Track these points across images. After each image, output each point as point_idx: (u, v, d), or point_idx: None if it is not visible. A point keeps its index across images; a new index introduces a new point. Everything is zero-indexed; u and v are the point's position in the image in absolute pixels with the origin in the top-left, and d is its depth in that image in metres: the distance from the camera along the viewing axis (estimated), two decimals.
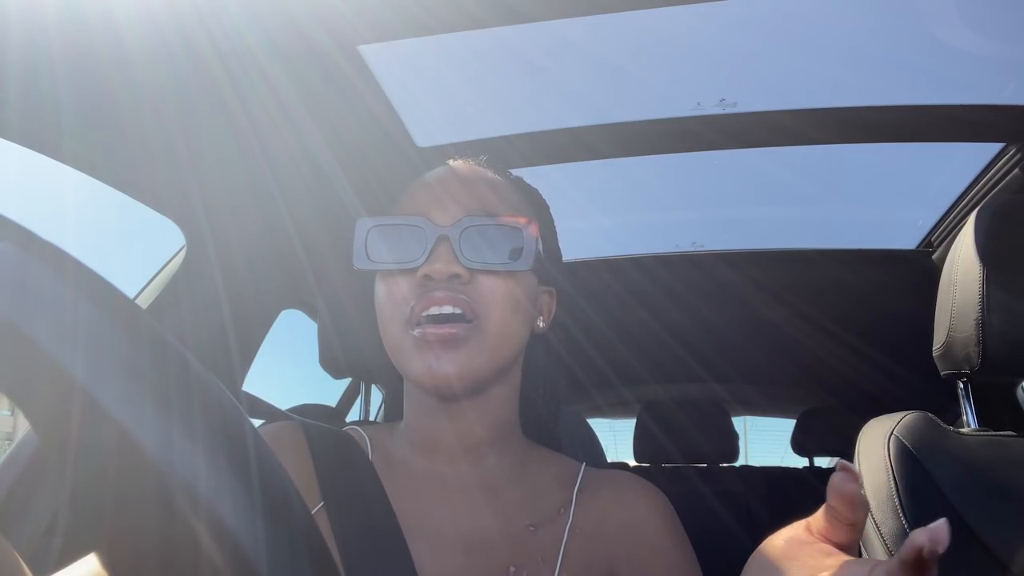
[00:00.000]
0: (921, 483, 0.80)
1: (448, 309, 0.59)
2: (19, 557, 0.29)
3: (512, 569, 0.59)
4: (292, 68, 1.00)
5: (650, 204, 1.87)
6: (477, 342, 0.59)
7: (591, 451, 1.48)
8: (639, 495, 0.66)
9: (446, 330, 0.58)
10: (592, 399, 2.87)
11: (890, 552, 0.77)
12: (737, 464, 2.32)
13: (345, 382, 1.92)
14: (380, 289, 0.63)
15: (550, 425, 0.74)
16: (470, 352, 0.59)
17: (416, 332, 0.59)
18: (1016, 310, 0.81)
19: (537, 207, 0.71)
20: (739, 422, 2.76)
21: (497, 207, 0.64)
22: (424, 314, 0.59)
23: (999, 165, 1.36)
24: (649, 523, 0.64)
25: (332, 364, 1.10)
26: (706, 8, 0.92)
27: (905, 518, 0.78)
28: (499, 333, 0.61)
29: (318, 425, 0.69)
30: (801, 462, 2.52)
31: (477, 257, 0.60)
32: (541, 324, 0.69)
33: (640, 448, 2.30)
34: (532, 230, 0.62)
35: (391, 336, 0.62)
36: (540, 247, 0.64)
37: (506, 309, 0.61)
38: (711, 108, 1.26)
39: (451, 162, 0.70)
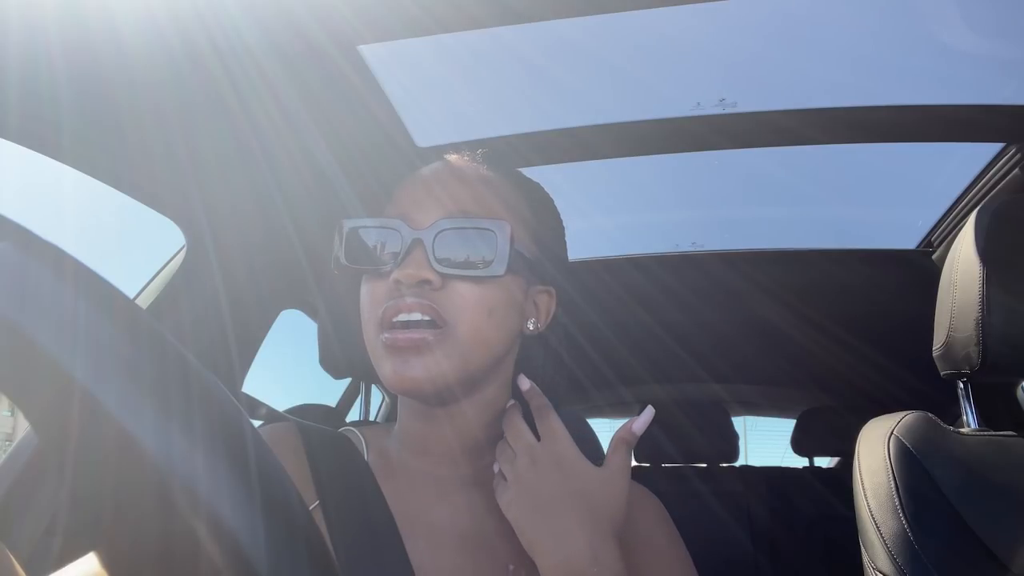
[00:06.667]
0: (921, 483, 0.80)
1: (416, 316, 0.58)
2: (12, 557, 0.29)
3: (511, 567, 0.59)
4: (292, 68, 1.00)
5: (650, 204, 1.87)
6: (445, 348, 0.58)
7: (591, 451, 1.47)
8: (631, 497, 0.66)
9: (412, 335, 0.58)
10: (592, 399, 2.87)
11: (891, 552, 0.77)
12: (737, 464, 2.32)
13: (345, 382, 1.92)
14: (362, 291, 0.64)
15: None
16: (436, 357, 0.58)
17: (385, 336, 0.59)
18: (1016, 310, 0.81)
19: (534, 204, 0.69)
20: (739, 422, 2.76)
21: (476, 207, 0.62)
22: (394, 319, 0.58)
23: (999, 165, 1.35)
24: (642, 524, 0.65)
25: (332, 364, 1.10)
26: (706, 8, 0.91)
27: (905, 518, 0.78)
28: (471, 339, 0.59)
29: (314, 426, 0.69)
30: (801, 462, 2.52)
31: (450, 262, 0.59)
32: (531, 326, 0.67)
33: (640, 448, 2.30)
34: (506, 232, 0.60)
35: (368, 339, 0.62)
36: (521, 248, 0.62)
37: (479, 315, 0.60)
38: (711, 108, 1.26)
39: (449, 158, 0.69)
